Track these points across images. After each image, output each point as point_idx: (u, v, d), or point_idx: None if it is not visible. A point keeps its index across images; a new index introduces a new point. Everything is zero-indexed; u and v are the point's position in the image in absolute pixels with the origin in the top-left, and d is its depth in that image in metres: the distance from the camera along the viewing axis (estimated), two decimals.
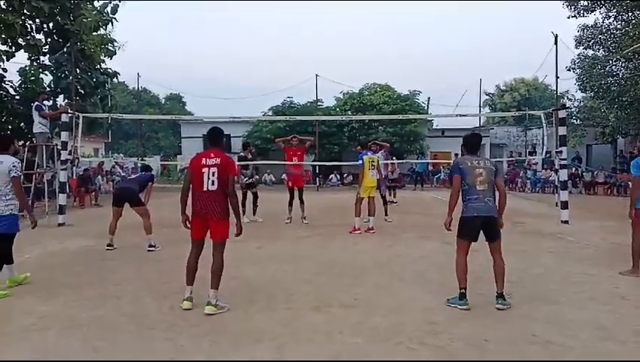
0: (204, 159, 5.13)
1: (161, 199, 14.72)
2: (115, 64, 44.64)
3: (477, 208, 5.05)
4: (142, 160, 28.32)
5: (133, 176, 10.19)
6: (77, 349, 3.99)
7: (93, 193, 17.72)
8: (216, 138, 5.42)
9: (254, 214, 11.60)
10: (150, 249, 8.30)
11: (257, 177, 12.74)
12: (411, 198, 18.76)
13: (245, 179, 11.72)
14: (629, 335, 4.23)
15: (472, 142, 5.48)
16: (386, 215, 11.89)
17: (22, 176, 6.08)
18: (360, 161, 10.20)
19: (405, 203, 16.14)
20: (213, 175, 5.04)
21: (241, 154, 12.15)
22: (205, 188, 5.03)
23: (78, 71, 19.67)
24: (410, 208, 14.22)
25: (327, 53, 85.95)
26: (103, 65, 21.48)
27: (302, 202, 11.36)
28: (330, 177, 29.64)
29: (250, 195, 11.76)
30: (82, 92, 20.41)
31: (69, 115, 12.13)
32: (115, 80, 23.82)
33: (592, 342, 4.08)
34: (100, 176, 22.84)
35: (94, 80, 20.85)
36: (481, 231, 5.13)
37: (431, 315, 4.79)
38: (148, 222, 8.50)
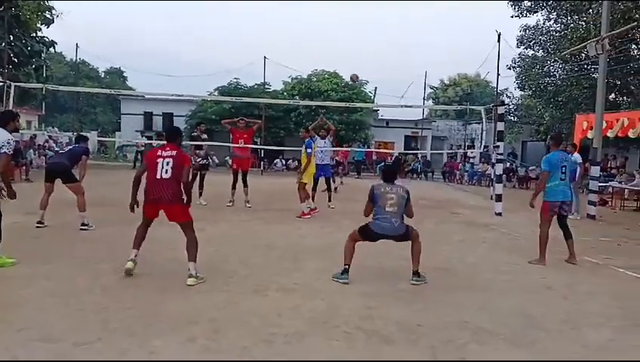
0: (160, 151, 5.60)
1: (98, 177, 14.24)
2: (53, 33, 42.59)
3: (383, 227, 5.59)
4: (78, 135, 27.26)
5: (65, 150, 9.47)
6: (1, 330, 3.79)
7: (24, 167, 16.86)
8: (173, 135, 5.87)
9: (200, 196, 11.27)
10: (83, 228, 7.97)
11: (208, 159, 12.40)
12: (353, 186, 18.97)
13: (199, 159, 11.37)
14: (553, 324, 4.45)
15: (389, 171, 6.10)
16: (330, 201, 11.93)
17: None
18: (309, 149, 10.06)
19: (347, 190, 16.29)
20: (167, 164, 5.43)
21: (194, 133, 11.87)
22: (159, 176, 5.41)
23: (11, 37, 18.60)
24: (352, 195, 14.35)
25: (276, 36, 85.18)
26: (39, 34, 20.43)
27: (245, 185, 11.22)
28: (275, 162, 29.55)
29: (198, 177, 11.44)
30: (15, 60, 19.37)
31: (0, 83, 11.45)
32: (51, 50, 22.75)
33: (519, 329, 4.27)
34: (31, 150, 21.77)
35: (29, 48, 19.81)
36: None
37: (367, 300, 4.87)
38: (82, 199, 8.11)
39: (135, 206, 5.69)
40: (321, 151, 11.31)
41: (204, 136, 11.83)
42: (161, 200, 5.43)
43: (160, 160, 5.47)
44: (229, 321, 4.18)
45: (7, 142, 5.60)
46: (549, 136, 8.98)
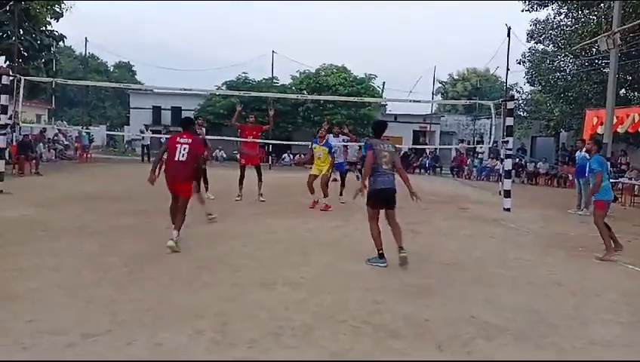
0: (178, 138, 6.65)
1: (107, 170, 14.33)
2: (62, 27, 42.71)
3: (384, 181, 6.10)
4: (87, 129, 27.42)
5: None
6: (10, 321, 3.83)
7: (34, 161, 16.97)
8: (187, 124, 7.05)
9: (206, 191, 11.25)
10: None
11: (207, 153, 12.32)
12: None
13: None
14: (561, 319, 4.43)
15: (379, 127, 6.78)
16: (341, 195, 11.88)
17: None
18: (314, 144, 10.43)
19: (355, 185, 16.24)
20: (184, 150, 6.48)
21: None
22: (177, 159, 6.49)
23: (21, 31, 18.68)
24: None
25: (285, 31, 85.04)
26: (48, 28, 20.50)
27: (260, 180, 11.22)
28: (283, 156, 29.56)
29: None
30: (25, 54, 19.47)
31: (10, 77, 11.50)
32: (61, 44, 22.85)
33: (527, 325, 4.25)
34: (41, 144, 21.91)
35: (39, 42, 19.90)
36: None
37: (375, 294, 4.87)
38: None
39: (154, 180, 6.60)
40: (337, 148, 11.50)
41: (202, 130, 11.80)
42: (176, 179, 6.50)
43: (178, 145, 6.51)
44: (236, 314, 4.19)
45: None
46: (592, 140, 9.23)
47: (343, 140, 12.61)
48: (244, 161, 11.35)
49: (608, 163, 10.46)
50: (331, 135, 11.37)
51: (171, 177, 6.53)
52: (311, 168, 10.68)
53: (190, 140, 6.59)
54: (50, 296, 4.46)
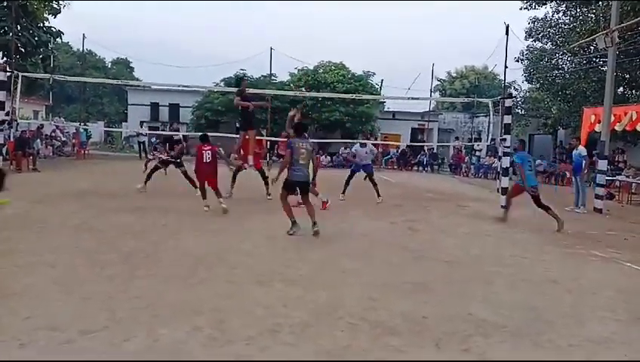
0: (203, 146, 9.42)
1: (104, 167, 14.31)
2: (60, 23, 42.50)
3: (298, 175, 7.42)
4: (84, 125, 27.35)
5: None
6: (7, 318, 3.82)
7: (31, 157, 16.94)
8: (206, 137, 9.70)
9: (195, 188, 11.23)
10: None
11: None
12: (359, 178, 18.93)
13: (165, 156, 11.49)
14: (558, 317, 4.44)
15: (303, 128, 8.11)
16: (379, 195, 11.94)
17: None
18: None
19: (353, 182, 16.24)
20: (209, 155, 9.34)
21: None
22: (205, 161, 9.30)
23: (18, 27, 18.61)
24: (358, 187, 14.33)
25: (284, 28, 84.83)
26: (46, 24, 20.43)
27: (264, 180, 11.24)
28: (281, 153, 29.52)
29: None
30: (23, 50, 19.40)
31: (8, 73, 11.46)
32: (58, 40, 22.76)
33: (524, 322, 4.26)
34: (39, 140, 21.88)
35: (36, 38, 19.83)
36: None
37: (371, 291, 4.87)
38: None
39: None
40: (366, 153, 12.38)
41: (178, 136, 12.02)
42: (208, 175, 9.27)
43: (204, 151, 9.31)
44: (233, 311, 4.19)
45: None
46: (518, 141, 10.70)
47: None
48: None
49: (606, 160, 10.52)
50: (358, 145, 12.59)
51: (203, 174, 9.37)
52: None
53: (210, 147, 9.41)
54: (47, 292, 4.45)
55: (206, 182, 9.35)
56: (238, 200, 10.58)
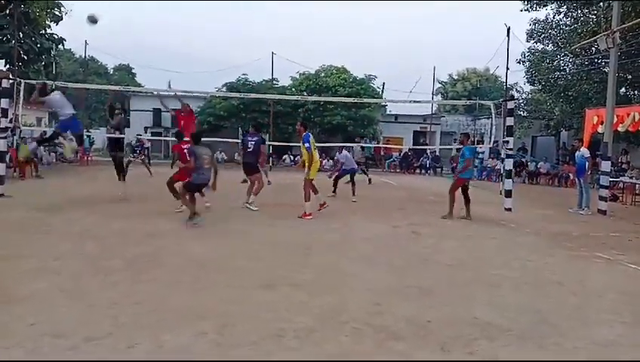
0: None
1: (107, 173, 14.29)
2: (62, 30, 42.67)
3: (203, 179, 8.43)
4: (87, 132, 27.38)
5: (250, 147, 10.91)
6: (12, 324, 3.83)
7: (34, 164, 16.96)
8: (180, 136, 9.76)
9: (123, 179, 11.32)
10: (247, 206, 10.20)
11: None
12: (361, 182, 18.93)
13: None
14: (563, 320, 4.42)
15: (198, 137, 8.77)
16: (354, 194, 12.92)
17: None
18: (307, 144, 9.66)
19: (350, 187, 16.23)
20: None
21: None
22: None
23: (21, 35, 18.69)
24: (360, 191, 14.34)
25: (285, 32, 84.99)
26: (48, 31, 20.53)
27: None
28: (283, 157, 29.56)
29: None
30: (25, 57, 19.50)
31: (10, 80, 11.51)
32: (60, 47, 22.83)
33: (529, 325, 4.24)
34: (42, 147, 21.89)
35: (38, 45, 19.93)
36: None
37: (376, 296, 4.86)
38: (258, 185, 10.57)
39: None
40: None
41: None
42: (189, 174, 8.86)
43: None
44: (238, 316, 4.18)
45: None
46: (463, 134, 11.75)
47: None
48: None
49: (609, 161, 10.50)
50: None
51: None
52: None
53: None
54: (52, 298, 4.45)
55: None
56: (237, 207, 10.56)
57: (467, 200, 10.28)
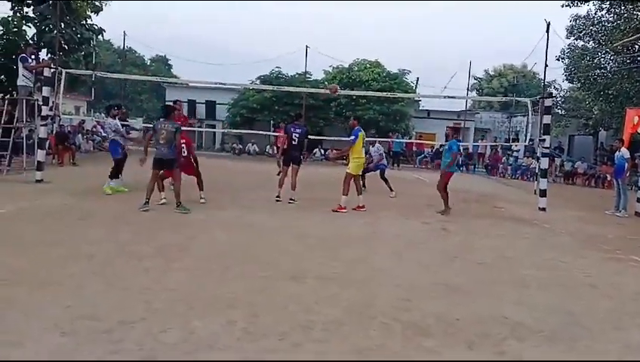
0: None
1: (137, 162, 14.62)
2: (101, 21, 43.57)
3: (158, 153, 8.50)
4: (124, 122, 27.97)
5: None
6: (48, 306, 3.96)
7: (71, 152, 17.42)
8: (168, 111, 9.17)
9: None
10: (291, 202, 10.05)
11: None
12: (392, 177, 18.82)
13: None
14: (595, 322, 4.34)
15: (166, 110, 9.15)
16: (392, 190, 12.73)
17: None
18: (353, 137, 9.75)
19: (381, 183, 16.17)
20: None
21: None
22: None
23: (62, 25, 19.16)
24: (393, 187, 14.28)
25: (319, 25, 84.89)
26: (88, 21, 20.97)
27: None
28: (314, 151, 29.61)
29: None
30: (66, 47, 19.95)
31: (52, 69, 11.84)
32: (100, 37, 23.30)
33: (560, 326, 4.17)
34: (80, 135, 22.49)
35: (79, 35, 20.37)
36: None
37: (404, 292, 4.85)
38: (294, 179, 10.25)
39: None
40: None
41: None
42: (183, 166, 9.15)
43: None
44: (267, 306, 4.24)
45: None
46: (449, 128, 11.06)
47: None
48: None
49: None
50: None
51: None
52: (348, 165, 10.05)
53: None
54: (87, 283, 4.59)
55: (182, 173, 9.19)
56: (268, 198, 10.61)
57: (445, 194, 10.14)
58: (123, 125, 11.37)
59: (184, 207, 8.39)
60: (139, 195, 8.67)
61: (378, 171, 13.32)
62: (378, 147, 13.78)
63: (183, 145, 9.23)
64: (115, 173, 10.20)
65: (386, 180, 13.11)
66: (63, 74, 11.97)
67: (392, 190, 12.74)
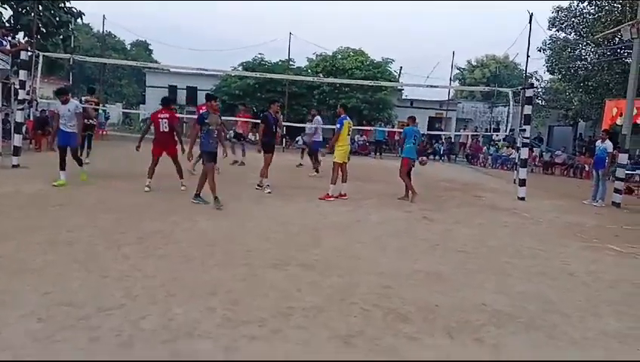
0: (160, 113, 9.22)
1: (122, 148, 14.41)
2: (80, 4, 42.69)
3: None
4: (103, 107, 27.54)
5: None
6: (27, 293, 3.90)
7: (50, 136, 17.09)
8: (167, 103, 9.62)
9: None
10: (258, 188, 9.98)
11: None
12: (375, 166, 18.89)
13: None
14: (573, 310, 4.41)
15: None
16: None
17: None
18: (338, 125, 9.75)
19: (369, 170, 16.24)
20: (166, 124, 9.09)
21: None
22: (161, 130, 9.17)
23: (40, 7, 18.73)
24: (373, 175, 14.31)
25: (302, 12, 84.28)
26: (67, 4, 20.54)
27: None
28: (297, 139, 29.50)
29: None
30: (44, 30, 19.55)
31: (29, 53, 11.57)
32: (79, 21, 22.86)
33: (538, 314, 4.23)
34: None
35: (57, 19, 19.96)
36: None
37: (385, 279, 4.87)
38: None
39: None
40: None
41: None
42: (163, 145, 9.13)
43: (160, 120, 9.10)
44: (247, 293, 4.22)
45: None
46: (409, 117, 11.43)
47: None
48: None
49: (627, 153, 10.38)
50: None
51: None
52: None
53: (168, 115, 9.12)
54: (65, 269, 4.52)
55: (163, 153, 9.09)
56: (250, 185, 10.56)
57: (407, 182, 10.39)
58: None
59: (202, 198, 8.20)
60: (115, 182, 8.55)
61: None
62: (318, 119, 14.67)
63: (166, 120, 9.13)
64: (79, 161, 9.65)
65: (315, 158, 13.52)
66: (40, 57, 11.71)
67: (317, 171, 13.12)
